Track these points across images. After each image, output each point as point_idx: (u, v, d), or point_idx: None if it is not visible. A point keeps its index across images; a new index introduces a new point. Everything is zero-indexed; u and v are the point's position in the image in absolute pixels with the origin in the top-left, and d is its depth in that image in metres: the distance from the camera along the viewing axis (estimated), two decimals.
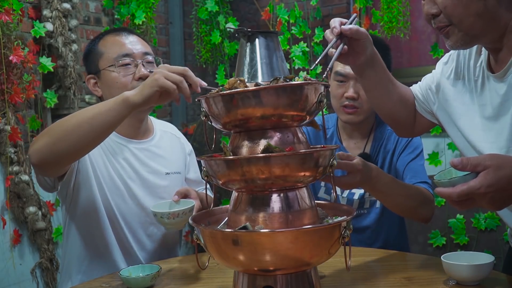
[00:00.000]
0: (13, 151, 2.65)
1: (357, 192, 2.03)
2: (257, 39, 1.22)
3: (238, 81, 1.15)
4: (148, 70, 1.80)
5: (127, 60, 1.81)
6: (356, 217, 2.03)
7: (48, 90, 2.93)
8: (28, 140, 2.69)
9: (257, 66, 1.22)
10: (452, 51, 1.57)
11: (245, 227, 1.14)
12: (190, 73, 1.39)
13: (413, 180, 1.92)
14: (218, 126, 1.23)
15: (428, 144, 3.31)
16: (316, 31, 3.58)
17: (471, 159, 1.12)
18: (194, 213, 1.65)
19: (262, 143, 1.17)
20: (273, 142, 1.18)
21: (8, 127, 2.61)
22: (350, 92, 1.94)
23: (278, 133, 1.19)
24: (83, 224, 1.81)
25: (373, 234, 2.04)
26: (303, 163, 1.14)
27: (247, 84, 1.18)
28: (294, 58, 3.53)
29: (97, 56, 1.85)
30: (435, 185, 1.19)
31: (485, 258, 1.42)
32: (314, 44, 3.57)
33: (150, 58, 1.86)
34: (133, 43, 1.85)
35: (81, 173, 1.76)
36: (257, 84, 1.17)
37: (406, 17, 3.26)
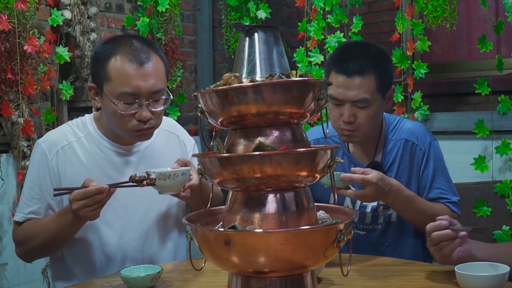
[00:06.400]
0: (26, 144, 2.75)
1: (369, 205, 2.08)
2: (255, 34, 1.29)
3: (233, 77, 1.24)
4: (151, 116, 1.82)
5: (131, 99, 1.78)
6: (370, 232, 2.10)
7: (64, 81, 3.04)
8: (42, 134, 2.77)
9: (255, 61, 1.28)
10: None
11: (233, 227, 1.22)
12: (90, 190, 1.66)
13: (439, 198, 2.01)
14: (214, 123, 1.32)
15: (474, 147, 3.29)
16: (354, 20, 3.55)
17: None
18: (189, 181, 1.81)
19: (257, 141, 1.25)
20: (269, 140, 1.25)
21: (21, 120, 2.71)
22: (346, 117, 1.96)
23: (275, 131, 1.26)
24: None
25: (388, 251, 2.08)
26: (296, 162, 1.20)
27: (243, 80, 1.26)
28: (329, 49, 3.52)
29: (104, 77, 1.80)
30: None
31: (500, 268, 1.46)
32: (352, 34, 3.55)
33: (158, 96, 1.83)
34: (145, 77, 1.78)
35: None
36: (252, 80, 1.25)
37: (453, 5, 3.22)
